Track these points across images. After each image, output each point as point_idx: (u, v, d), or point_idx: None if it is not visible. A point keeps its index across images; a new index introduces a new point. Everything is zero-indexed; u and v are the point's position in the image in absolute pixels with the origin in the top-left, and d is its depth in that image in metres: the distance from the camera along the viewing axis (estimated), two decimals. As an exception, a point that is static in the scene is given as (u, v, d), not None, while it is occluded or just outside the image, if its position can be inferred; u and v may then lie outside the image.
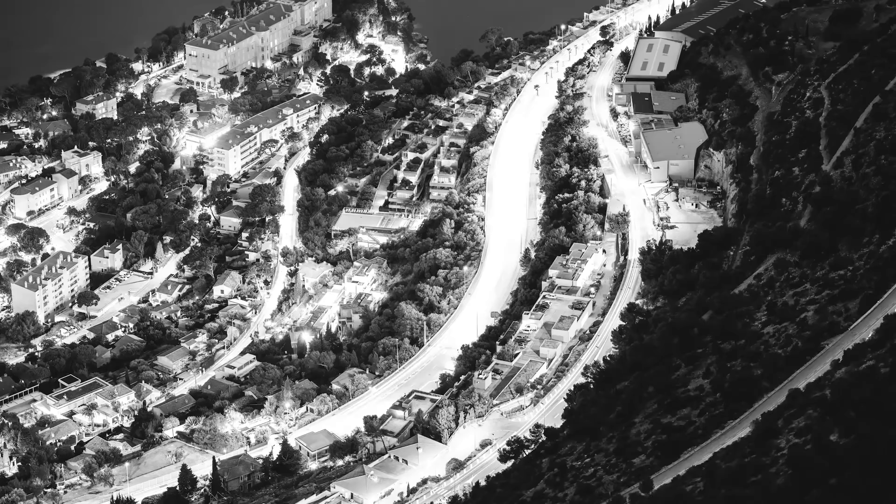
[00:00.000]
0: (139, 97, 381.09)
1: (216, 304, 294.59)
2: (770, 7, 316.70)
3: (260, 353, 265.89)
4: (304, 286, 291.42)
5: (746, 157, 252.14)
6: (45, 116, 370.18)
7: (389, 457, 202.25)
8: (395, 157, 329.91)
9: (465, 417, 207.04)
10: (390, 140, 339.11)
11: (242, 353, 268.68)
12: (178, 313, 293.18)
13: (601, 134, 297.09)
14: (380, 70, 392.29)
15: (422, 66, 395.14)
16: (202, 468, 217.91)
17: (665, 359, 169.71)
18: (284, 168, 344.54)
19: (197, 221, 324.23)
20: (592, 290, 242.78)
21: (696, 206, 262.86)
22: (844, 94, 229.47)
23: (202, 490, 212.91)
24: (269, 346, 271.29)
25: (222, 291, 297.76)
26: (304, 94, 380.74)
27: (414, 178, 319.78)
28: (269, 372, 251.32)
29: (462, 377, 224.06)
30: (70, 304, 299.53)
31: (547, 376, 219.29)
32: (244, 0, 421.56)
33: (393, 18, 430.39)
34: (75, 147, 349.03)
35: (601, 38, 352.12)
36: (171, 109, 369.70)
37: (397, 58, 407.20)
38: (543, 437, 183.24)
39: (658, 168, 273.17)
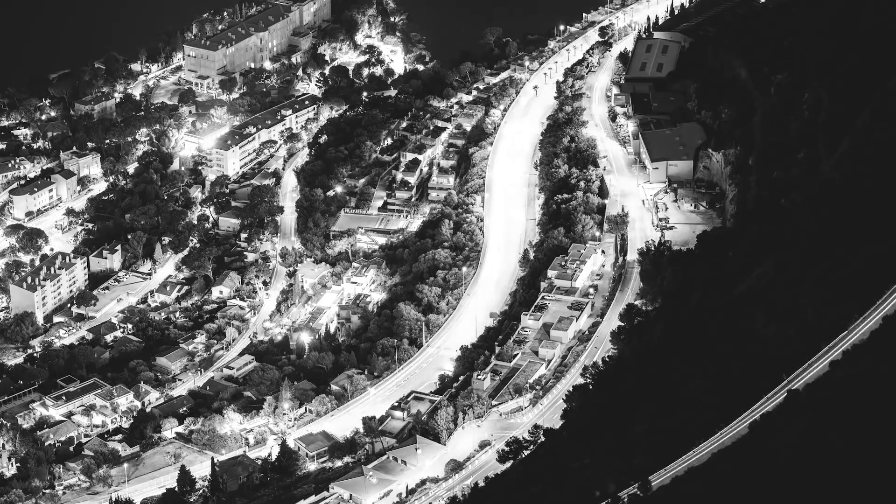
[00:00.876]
0: (138, 98, 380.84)
1: (215, 305, 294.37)
2: (769, 7, 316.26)
3: (259, 354, 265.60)
4: (302, 287, 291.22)
5: (745, 157, 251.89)
6: (43, 117, 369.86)
7: (388, 457, 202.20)
8: (394, 158, 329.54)
9: (463, 418, 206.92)
10: (389, 141, 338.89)
11: (241, 354, 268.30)
12: (177, 314, 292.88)
13: (600, 134, 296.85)
14: (378, 71, 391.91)
15: (420, 67, 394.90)
16: (201, 469, 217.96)
17: (665, 359, 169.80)
18: (283, 169, 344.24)
19: (196, 222, 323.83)
20: (591, 290, 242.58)
21: (695, 206, 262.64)
22: (844, 94, 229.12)
23: (201, 491, 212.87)
24: (268, 346, 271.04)
25: (221, 292, 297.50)
26: (303, 94, 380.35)
27: (412, 179, 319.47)
28: (267, 373, 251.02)
29: (461, 378, 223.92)
30: (69, 305, 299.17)
31: (546, 377, 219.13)
32: (243, 1, 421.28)
33: (392, 19, 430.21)
34: (74, 148, 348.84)
35: (600, 39, 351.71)
36: (170, 110, 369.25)
37: (396, 58, 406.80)
38: (542, 438, 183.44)
39: (657, 169, 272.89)
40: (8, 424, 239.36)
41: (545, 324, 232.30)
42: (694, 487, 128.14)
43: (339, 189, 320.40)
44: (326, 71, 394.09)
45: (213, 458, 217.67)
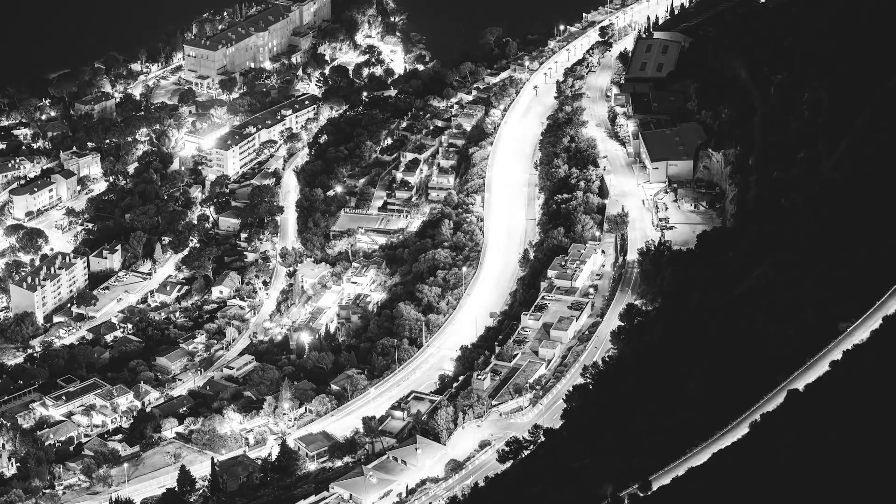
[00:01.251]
0: (138, 98, 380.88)
1: (215, 305, 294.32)
2: (769, 7, 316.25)
3: (259, 354, 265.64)
4: (302, 287, 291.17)
5: (745, 157, 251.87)
6: (43, 117, 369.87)
7: (388, 457, 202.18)
8: (394, 158, 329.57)
9: (463, 418, 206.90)
10: (389, 141, 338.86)
11: (241, 354, 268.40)
12: (177, 314, 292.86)
13: (600, 134, 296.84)
14: (378, 71, 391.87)
15: (420, 67, 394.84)
16: (201, 469, 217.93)
17: (665, 359, 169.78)
18: (283, 169, 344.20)
19: (196, 222, 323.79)
20: (591, 290, 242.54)
21: (695, 206, 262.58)
22: (844, 94, 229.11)
23: (201, 491, 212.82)
24: (268, 346, 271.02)
25: (221, 292, 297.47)
26: (303, 94, 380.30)
27: (413, 179, 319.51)
28: (267, 373, 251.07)
29: (461, 378, 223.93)
30: (69, 305, 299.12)
31: (545, 377, 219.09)
32: (243, 1, 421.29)
33: (392, 19, 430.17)
34: (74, 148, 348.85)
35: (600, 39, 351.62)
36: (170, 110, 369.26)
37: (396, 58, 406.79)
38: (542, 438, 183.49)
39: (657, 169, 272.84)
40: (8, 424, 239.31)
41: (545, 324, 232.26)
42: (694, 487, 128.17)
43: (339, 189, 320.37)
44: (326, 71, 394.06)
45: (213, 458, 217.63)
